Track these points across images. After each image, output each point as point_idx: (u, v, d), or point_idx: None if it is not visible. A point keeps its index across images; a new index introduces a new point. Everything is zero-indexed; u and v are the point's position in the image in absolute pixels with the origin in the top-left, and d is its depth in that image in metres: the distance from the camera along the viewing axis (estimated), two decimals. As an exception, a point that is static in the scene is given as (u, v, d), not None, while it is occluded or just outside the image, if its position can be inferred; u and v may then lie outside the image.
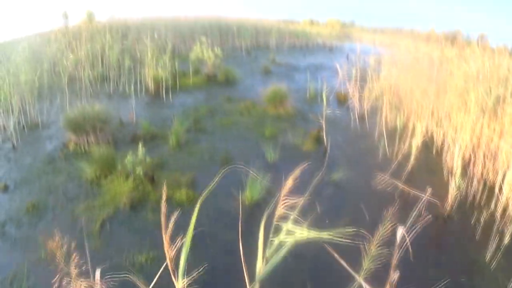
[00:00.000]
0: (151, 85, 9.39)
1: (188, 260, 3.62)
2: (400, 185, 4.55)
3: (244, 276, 2.70)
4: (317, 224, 3.53)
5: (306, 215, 3.61)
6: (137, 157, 4.67)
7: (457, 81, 6.01)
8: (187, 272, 3.60)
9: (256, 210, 4.28)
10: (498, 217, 4.23)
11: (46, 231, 3.86)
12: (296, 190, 3.71)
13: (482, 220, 4.16)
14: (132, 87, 9.14)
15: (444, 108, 5.90)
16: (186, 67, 11.28)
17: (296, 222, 3.31)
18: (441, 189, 4.45)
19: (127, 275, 3.12)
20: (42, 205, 4.33)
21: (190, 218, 2.60)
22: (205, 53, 11.00)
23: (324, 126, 6.16)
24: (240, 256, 2.78)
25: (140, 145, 4.75)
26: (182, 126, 6.23)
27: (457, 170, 4.35)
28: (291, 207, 2.85)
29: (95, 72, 10.29)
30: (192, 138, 6.29)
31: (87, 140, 5.88)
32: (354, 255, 2.54)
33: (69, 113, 6.18)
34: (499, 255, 3.70)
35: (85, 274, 3.47)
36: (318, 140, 6.26)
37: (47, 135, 6.59)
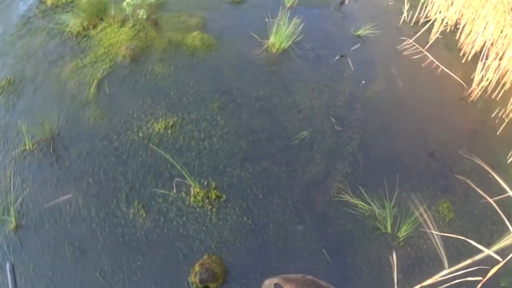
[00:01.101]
0: None
1: (217, 123, 2.70)
2: (426, 54, 3.54)
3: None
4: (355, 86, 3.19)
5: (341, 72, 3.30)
6: None
7: None
8: (220, 138, 2.74)
9: (285, 60, 3.39)
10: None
11: (28, 112, 2.93)
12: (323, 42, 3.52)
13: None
14: None
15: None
16: None
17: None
18: (463, 73, 3.46)
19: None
20: (20, 78, 3.27)
21: (210, 67, 2.64)
22: None
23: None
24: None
25: None
26: None
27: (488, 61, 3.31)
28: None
29: None
30: None
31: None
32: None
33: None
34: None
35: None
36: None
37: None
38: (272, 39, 3.37)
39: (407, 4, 3.88)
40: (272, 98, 3.04)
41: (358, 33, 3.69)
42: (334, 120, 2.93)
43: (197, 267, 2.17)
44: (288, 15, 3.42)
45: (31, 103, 3.02)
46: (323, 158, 2.71)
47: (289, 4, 3.86)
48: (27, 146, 2.70)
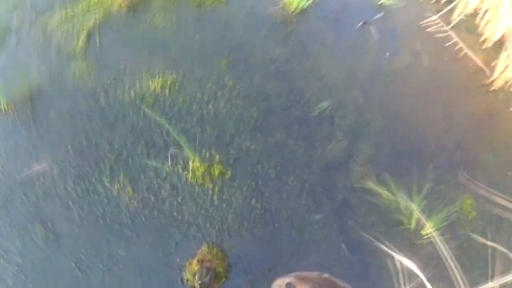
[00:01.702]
0: None
1: (225, 84, 2.20)
2: (450, 34, 3.21)
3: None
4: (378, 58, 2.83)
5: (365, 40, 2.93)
6: None
7: None
8: (227, 102, 2.24)
9: (303, 20, 2.96)
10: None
11: (6, 68, 2.49)
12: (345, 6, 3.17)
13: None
14: None
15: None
16: None
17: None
18: (484, 59, 3.08)
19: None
20: (3, 28, 2.81)
21: (219, 21, 2.39)
22: None
23: None
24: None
25: None
26: None
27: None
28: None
29: None
30: None
31: None
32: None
33: None
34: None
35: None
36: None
37: None
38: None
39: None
40: (289, 60, 2.59)
41: (381, 2, 3.27)
42: (356, 94, 2.51)
43: (195, 265, 1.73)
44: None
45: (12, 56, 2.58)
46: (345, 136, 2.29)
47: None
48: (2, 106, 2.28)
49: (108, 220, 1.87)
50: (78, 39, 2.57)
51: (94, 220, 1.88)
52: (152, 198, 1.91)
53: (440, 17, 3.27)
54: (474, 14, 3.38)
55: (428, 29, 3.19)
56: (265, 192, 1.99)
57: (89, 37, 2.58)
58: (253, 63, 2.49)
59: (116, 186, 1.95)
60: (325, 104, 2.36)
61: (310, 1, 2.95)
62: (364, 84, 2.59)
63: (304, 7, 2.93)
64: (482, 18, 3.32)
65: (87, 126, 2.15)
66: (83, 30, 2.62)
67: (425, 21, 3.23)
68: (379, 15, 3.19)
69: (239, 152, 2.07)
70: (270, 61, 2.54)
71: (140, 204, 1.89)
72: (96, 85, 2.30)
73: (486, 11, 3.28)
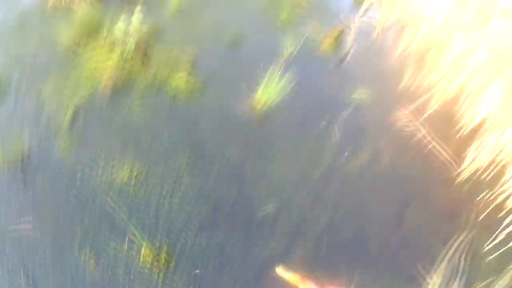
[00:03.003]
0: None
1: (182, 181, 2.76)
2: (420, 127, 3.35)
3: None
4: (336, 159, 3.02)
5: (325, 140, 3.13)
6: (131, 24, 3.36)
7: None
8: (181, 198, 2.81)
9: (268, 119, 3.32)
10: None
11: (5, 125, 2.98)
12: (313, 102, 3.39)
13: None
14: None
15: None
16: None
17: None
18: (456, 149, 3.28)
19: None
20: (6, 79, 3.30)
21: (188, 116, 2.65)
22: None
23: (349, 29, 4.40)
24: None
25: (138, 9, 3.48)
26: None
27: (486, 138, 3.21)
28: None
29: None
30: (196, 4, 4.77)
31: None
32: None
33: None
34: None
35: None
36: (338, 42, 4.38)
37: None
38: (260, 93, 3.32)
39: (411, 68, 3.80)
40: (245, 162, 3.01)
41: (352, 96, 3.52)
42: (305, 196, 2.85)
43: None
44: (282, 67, 3.43)
45: (9, 117, 3.07)
46: (284, 237, 2.65)
47: (287, 55, 3.80)
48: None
49: (74, 282, 2.40)
50: (65, 114, 3.08)
51: (63, 279, 2.40)
52: (110, 273, 2.43)
53: (413, 109, 3.39)
54: (454, 101, 3.47)
55: (398, 123, 3.33)
56: (202, 284, 2.47)
57: (75, 114, 3.09)
58: (211, 163, 2.96)
59: (83, 257, 2.47)
60: (270, 207, 2.76)
61: (279, 99, 3.31)
62: (314, 186, 2.88)
63: (272, 104, 3.30)
64: (461, 104, 3.41)
65: (65, 200, 2.67)
66: (70, 105, 3.12)
67: (396, 114, 3.40)
68: (347, 111, 3.39)
69: (184, 246, 2.56)
70: (227, 161, 2.98)
71: (100, 276, 2.41)
72: (76, 164, 2.82)
73: (466, 97, 3.43)
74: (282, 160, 3.05)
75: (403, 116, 3.40)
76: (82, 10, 3.92)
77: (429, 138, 3.30)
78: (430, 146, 3.23)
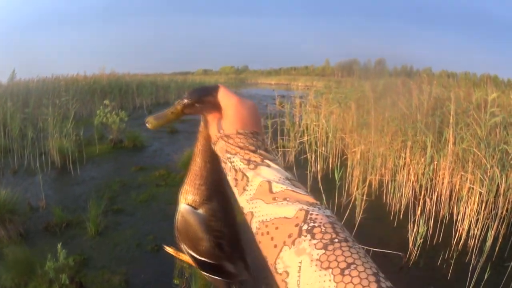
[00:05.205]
0: (56, 158, 8.95)
1: None
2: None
3: None
4: None
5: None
6: (58, 261, 4.47)
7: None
8: None
9: None
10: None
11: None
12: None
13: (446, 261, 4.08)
14: (37, 162, 8.68)
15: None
16: (89, 133, 10.94)
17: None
18: (399, 238, 4.26)
19: None
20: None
21: None
22: (109, 118, 10.63)
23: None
24: None
25: (59, 247, 4.50)
26: (97, 208, 5.92)
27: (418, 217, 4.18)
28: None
29: (-2, 144, 9.58)
30: (112, 222, 6.06)
31: (-4, 234, 5.48)
32: None
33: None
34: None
35: None
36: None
37: None
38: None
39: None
40: None
41: None
42: None
43: None
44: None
45: None
46: None
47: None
48: None
49: None
50: None
51: None
52: None
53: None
54: (379, 195, 4.76)
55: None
56: None
57: None
58: None
59: None
60: None
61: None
62: None
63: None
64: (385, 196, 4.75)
65: None
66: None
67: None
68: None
69: None
70: None
71: None
72: None
73: (386, 187, 4.77)
74: None
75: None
76: (11, 250, 4.66)
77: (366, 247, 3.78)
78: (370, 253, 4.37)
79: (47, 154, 9.08)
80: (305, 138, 8.24)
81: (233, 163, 0.66)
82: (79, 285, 4.42)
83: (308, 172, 6.88)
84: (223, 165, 0.70)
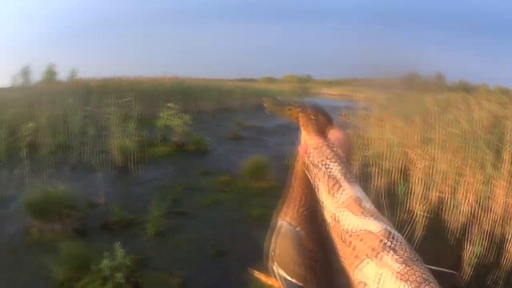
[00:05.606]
0: (117, 157, 8.70)
1: None
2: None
3: None
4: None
5: None
6: (115, 260, 4.05)
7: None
8: None
9: None
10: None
11: None
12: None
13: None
14: (98, 159, 8.44)
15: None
16: (152, 134, 10.80)
17: None
18: (453, 256, 4.18)
19: None
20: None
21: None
22: (173, 120, 10.40)
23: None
24: None
25: (118, 245, 4.01)
26: (159, 209, 5.50)
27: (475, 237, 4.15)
28: None
29: (57, 140, 9.62)
30: (173, 225, 5.59)
31: (53, 227, 5.22)
32: None
33: (30, 194, 5.48)
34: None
35: None
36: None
37: (6, 214, 5.72)
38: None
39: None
40: None
41: None
42: None
43: None
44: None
45: None
46: None
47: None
48: None
49: None
50: None
51: None
52: None
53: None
54: (437, 212, 4.57)
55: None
56: None
57: None
58: None
59: None
60: None
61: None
62: None
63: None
64: (443, 213, 4.50)
65: None
66: None
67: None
68: None
69: None
70: None
71: None
72: None
73: (445, 204, 4.50)
74: None
75: None
76: (66, 245, 4.31)
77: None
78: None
79: (108, 153, 8.89)
80: (370, 152, 8.21)
81: (330, 169, 0.75)
82: (135, 285, 3.98)
83: (371, 185, 6.70)
84: (313, 169, 0.78)
